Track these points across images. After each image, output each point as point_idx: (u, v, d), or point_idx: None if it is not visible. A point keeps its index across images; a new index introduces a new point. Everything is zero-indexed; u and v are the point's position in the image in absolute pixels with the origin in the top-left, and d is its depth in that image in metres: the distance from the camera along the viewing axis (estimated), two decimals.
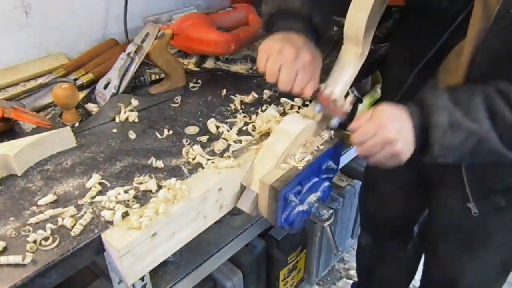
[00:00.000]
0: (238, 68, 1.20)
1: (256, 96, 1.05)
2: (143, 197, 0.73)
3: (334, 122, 0.87)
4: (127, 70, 0.96)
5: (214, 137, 0.90)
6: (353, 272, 1.93)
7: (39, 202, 0.71)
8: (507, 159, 0.73)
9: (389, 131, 0.73)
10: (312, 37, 0.86)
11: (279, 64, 0.79)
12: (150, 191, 0.75)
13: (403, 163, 0.76)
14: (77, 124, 0.91)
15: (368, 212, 1.33)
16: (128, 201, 0.72)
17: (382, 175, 1.19)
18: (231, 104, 1.01)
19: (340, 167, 0.98)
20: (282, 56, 0.78)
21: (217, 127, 0.93)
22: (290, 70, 0.78)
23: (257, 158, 0.82)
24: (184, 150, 0.85)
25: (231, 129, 0.92)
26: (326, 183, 0.90)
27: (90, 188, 0.75)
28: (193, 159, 0.82)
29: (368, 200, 1.30)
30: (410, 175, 1.06)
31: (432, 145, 0.73)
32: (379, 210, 1.24)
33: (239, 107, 1.00)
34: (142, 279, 0.88)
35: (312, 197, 0.87)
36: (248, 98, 1.04)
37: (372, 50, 0.93)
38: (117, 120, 0.95)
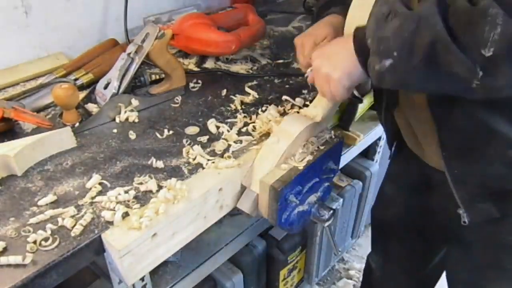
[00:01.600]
0: (238, 68, 1.20)
1: (256, 96, 1.05)
2: (143, 197, 0.73)
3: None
4: (127, 70, 0.96)
5: (214, 137, 0.90)
6: (353, 272, 1.93)
7: (39, 203, 0.71)
8: (455, 63, 0.58)
9: (316, 59, 0.76)
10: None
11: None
12: (150, 191, 0.75)
13: (347, 84, 0.74)
14: (77, 124, 0.91)
15: (375, 218, 1.29)
16: (128, 201, 0.72)
17: (386, 177, 1.18)
18: (231, 104, 1.01)
19: (340, 167, 0.98)
20: (297, 47, 0.91)
21: (217, 127, 0.93)
22: (299, 54, 0.92)
23: (257, 158, 0.82)
24: (184, 150, 0.85)
25: (231, 129, 0.92)
26: (326, 183, 0.90)
27: (90, 188, 0.74)
28: (193, 159, 0.82)
29: (375, 205, 1.28)
30: (414, 177, 1.05)
31: (365, 41, 0.66)
32: (383, 211, 1.23)
33: (239, 107, 1.00)
34: (142, 279, 0.88)
35: (312, 197, 0.87)
36: (248, 98, 1.04)
37: None
38: (117, 120, 0.95)
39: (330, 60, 0.75)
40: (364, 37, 0.67)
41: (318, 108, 0.88)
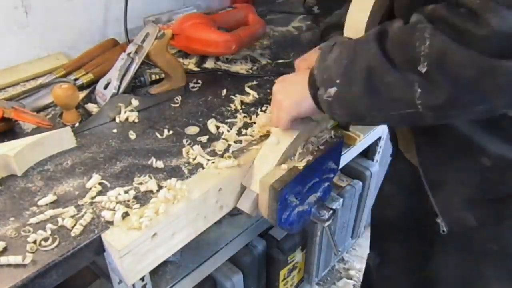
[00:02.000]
0: (238, 68, 1.20)
1: (256, 96, 1.05)
2: (143, 197, 0.73)
3: None
4: (127, 70, 0.96)
5: (214, 137, 0.90)
6: (353, 272, 1.93)
7: (39, 202, 0.71)
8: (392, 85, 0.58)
9: (276, 85, 0.77)
10: None
11: None
12: (151, 191, 0.75)
13: (294, 114, 0.74)
14: (77, 124, 0.91)
15: (374, 217, 1.29)
16: (128, 201, 0.72)
17: (385, 176, 1.18)
18: (231, 104, 1.01)
19: (340, 167, 0.98)
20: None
21: (217, 127, 0.93)
22: None
23: (257, 158, 0.82)
24: (184, 150, 0.85)
25: (231, 129, 0.92)
26: (326, 183, 0.90)
27: (90, 188, 0.75)
28: (193, 159, 0.82)
29: (375, 205, 1.28)
30: (411, 177, 1.05)
31: (312, 71, 0.68)
32: (382, 210, 1.23)
33: (239, 107, 1.00)
34: (142, 279, 0.88)
35: (312, 197, 0.87)
36: (248, 98, 1.04)
37: None
38: (117, 120, 0.95)
39: (286, 88, 0.76)
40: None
41: None
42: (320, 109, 0.71)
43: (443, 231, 0.83)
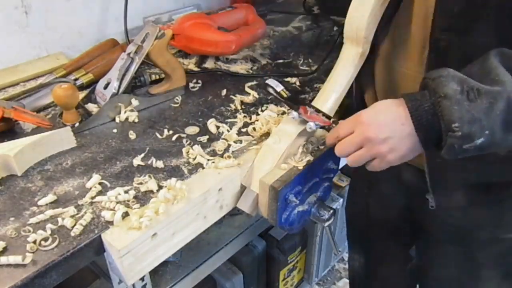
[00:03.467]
0: (238, 68, 1.20)
1: (256, 96, 1.05)
2: (143, 197, 0.73)
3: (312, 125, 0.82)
4: (127, 70, 0.96)
5: (214, 137, 0.90)
6: None
7: (39, 202, 0.71)
8: None
9: (368, 126, 0.64)
10: None
11: None
12: (151, 191, 0.75)
13: (398, 164, 0.67)
14: (77, 124, 0.91)
15: (364, 217, 1.29)
16: (128, 201, 0.72)
17: (382, 175, 1.18)
18: (231, 104, 1.01)
19: (340, 167, 0.98)
20: None
21: (217, 127, 0.93)
22: None
23: (257, 158, 0.82)
24: (184, 150, 0.85)
25: (231, 129, 0.92)
26: (326, 183, 0.90)
27: (90, 188, 0.74)
28: (193, 159, 0.82)
29: (368, 201, 1.28)
30: (409, 176, 1.05)
31: (449, 124, 0.59)
32: (380, 210, 1.23)
33: (239, 107, 1.00)
34: (142, 279, 0.88)
35: (312, 197, 0.87)
36: (248, 98, 1.04)
37: None
38: (117, 120, 0.95)
39: (390, 137, 0.65)
40: (424, 114, 0.62)
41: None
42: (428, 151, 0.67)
43: (432, 206, 0.82)
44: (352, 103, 1.00)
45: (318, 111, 0.81)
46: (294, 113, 0.81)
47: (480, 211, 0.85)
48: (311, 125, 0.78)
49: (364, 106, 0.96)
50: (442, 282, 1.02)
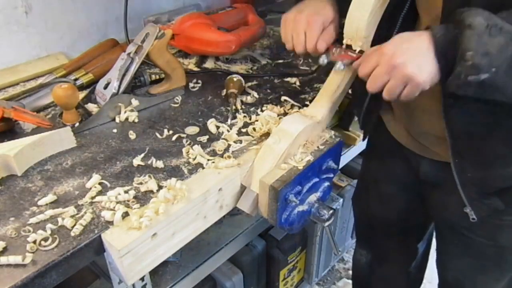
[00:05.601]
0: (238, 68, 1.20)
1: (256, 96, 1.05)
2: (143, 197, 0.73)
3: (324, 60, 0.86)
4: (127, 70, 0.96)
5: (214, 137, 0.90)
6: None
7: (39, 202, 0.71)
8: None
9: (393, 54, 0.66)
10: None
11: (291, 32, 0.84)
12: (151, 191, 0.75)
13: (426, 88, 0.67)
14: (77, 124, 0.91)
15: (366, 215, 1.29)
16: (128, 201, 0.72)
17: (382, 175, 1.19)
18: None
19: (340, 167, 0.98)
20: (295, 24, 0.82)
21: (217, 127, 0.93)
22: (299, 32, 0.82)
23: (257, 158, 0.82)
24: (184, 150, 0.85)
25: (231, 129, 0.92)
26: (326, 183, 0.90)
27: (90, 188, 0.74)
28: (193, 159, 0.82)
29: (369, 201, 1.28)
30: (409, 176, 1.05)
31: (464, 52, 0.61)
32: (380, 210, 1.23)
33: (239, 107, 1.00)
34: (142, 279, 0.88)
35: (312, 197, 0.87)
36: (248, 98, 1.04)
37: None
38: (117, 120, 0.95)
39: (414, 59, 0.66)
40: (444, 42, 0.64)
41: (318, 108, 0.88)
42: (444, 82, 0.67)
43: (473, 219, 0.84)
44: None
45: (347, 46, 0.83)
46: (340, 64, 0.83)
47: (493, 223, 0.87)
48: (338, 64, 0.83)
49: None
50: (465, 271, 1.02)
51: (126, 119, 0.95)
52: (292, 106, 1.01)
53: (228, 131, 0.91)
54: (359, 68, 0.73)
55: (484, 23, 0.60)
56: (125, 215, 0.68)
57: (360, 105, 0.95)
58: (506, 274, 0.97)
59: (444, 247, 1.05)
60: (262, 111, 0.98)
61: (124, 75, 0.96)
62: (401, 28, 0.81)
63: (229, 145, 0.87)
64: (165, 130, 0.91)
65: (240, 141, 0.88)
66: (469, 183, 0.82)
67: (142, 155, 0.83)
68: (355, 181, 1.63)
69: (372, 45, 0.82)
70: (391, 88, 0.68)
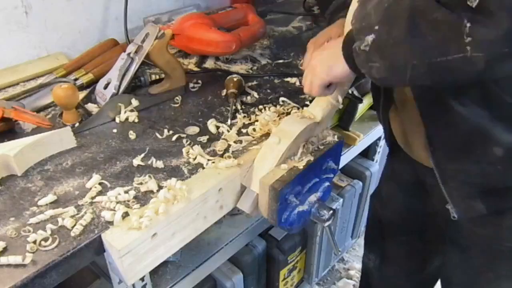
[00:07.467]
0: (238, 68, 1.20)
1: (256, 96, 1.05)
2: (143, 198, 0.73)
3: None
4: (127, 70, 0.96)
5: (214, 137, 0.90)
6: (353, 272, 1.93)
7: (39, 202, 0.71)
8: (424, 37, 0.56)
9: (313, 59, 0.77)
10: None
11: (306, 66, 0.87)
12: (151, 191, 0.75)
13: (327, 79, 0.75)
14: (77, 124, 0.91)
15: (373, 217, 1.28)
16: (128, 201, 0.72)
17: (384, 176, 1.19)
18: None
19: (340, 167, 0.98)
20: (308, 64, 0.82)
21: (217, 127, 0.93)
22: (307, 74, 0.82)
23: (257, 158, 0.82)
24: (184, 150, 0.85)
25: (231, 129, 0.92)
26: (326, 183, 0.90)
27: (90, 188, 0.74)
28: (193, 159, 0.82)
29: (373, 204, 1.28)
30: (410, 177, 1.05)
31: (352, 35, 0.66)
32: (383, 211, 1.23)
33: (239, 107, 1.00)
34: (142, 279, 0.88)
35: (312, 197, 0.87)
36: (248, 98, 1.04)
37: None
38: (117, 120, 0.95)
39: (322, 54, 0.76)
40: (352, 34, 0.67)
41: (318, 108, 0.88)
42: (353, 69, 0.69)
43: (454, 217, 0.83)
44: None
45: None
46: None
47: (500, 220, 0.83)
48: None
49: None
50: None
51: (126, 119, 0.95)
52: (292, 106, 1.00)
53: (228, 131, 0.91)
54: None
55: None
56: (125, 215, 0.68)
57: (377, 104, 0.98)
58: None
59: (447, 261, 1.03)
60: (262, 111, 0.98)
61: (124, 75, 0.96)
62: None
63: (229, 145, 0.87)
64: (165, 130, 0.91)
65: (240, 141, 0.88)
66: (447, 176, 0.81)
67: (142, 155, 0.83)
68: (355, 181, 1.63)
69: None
70: (304, 77, 0.80)
